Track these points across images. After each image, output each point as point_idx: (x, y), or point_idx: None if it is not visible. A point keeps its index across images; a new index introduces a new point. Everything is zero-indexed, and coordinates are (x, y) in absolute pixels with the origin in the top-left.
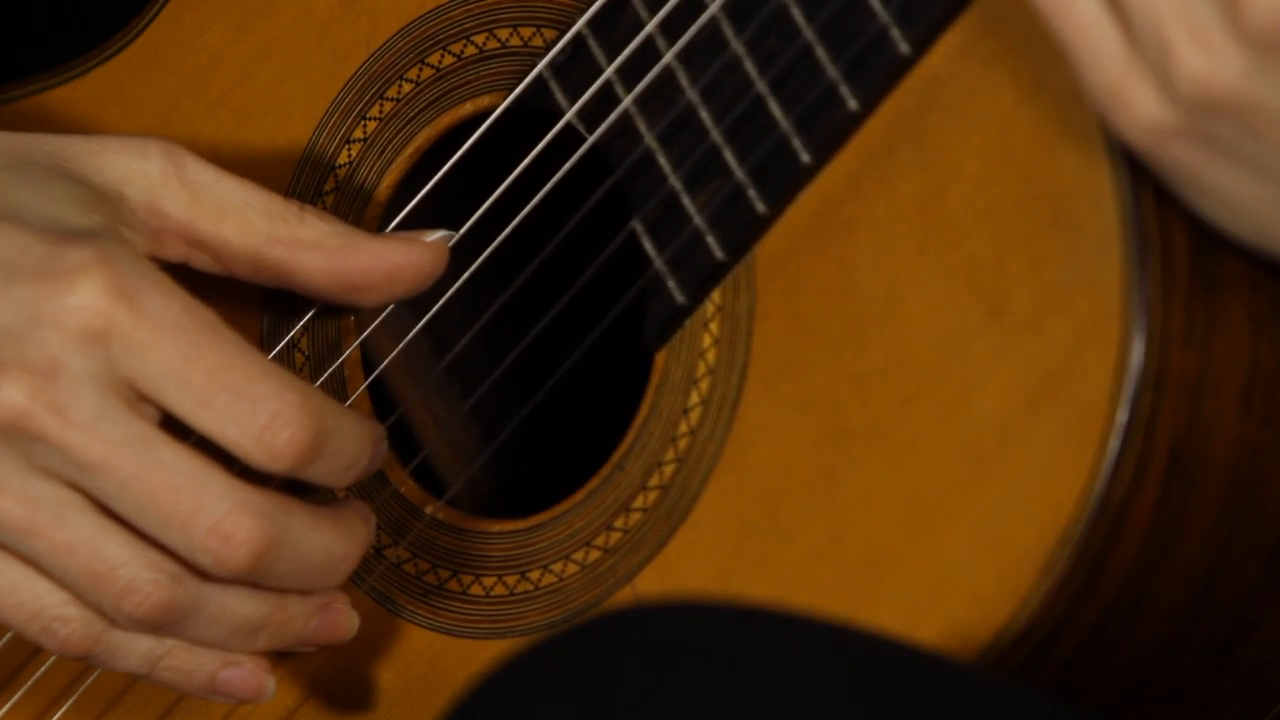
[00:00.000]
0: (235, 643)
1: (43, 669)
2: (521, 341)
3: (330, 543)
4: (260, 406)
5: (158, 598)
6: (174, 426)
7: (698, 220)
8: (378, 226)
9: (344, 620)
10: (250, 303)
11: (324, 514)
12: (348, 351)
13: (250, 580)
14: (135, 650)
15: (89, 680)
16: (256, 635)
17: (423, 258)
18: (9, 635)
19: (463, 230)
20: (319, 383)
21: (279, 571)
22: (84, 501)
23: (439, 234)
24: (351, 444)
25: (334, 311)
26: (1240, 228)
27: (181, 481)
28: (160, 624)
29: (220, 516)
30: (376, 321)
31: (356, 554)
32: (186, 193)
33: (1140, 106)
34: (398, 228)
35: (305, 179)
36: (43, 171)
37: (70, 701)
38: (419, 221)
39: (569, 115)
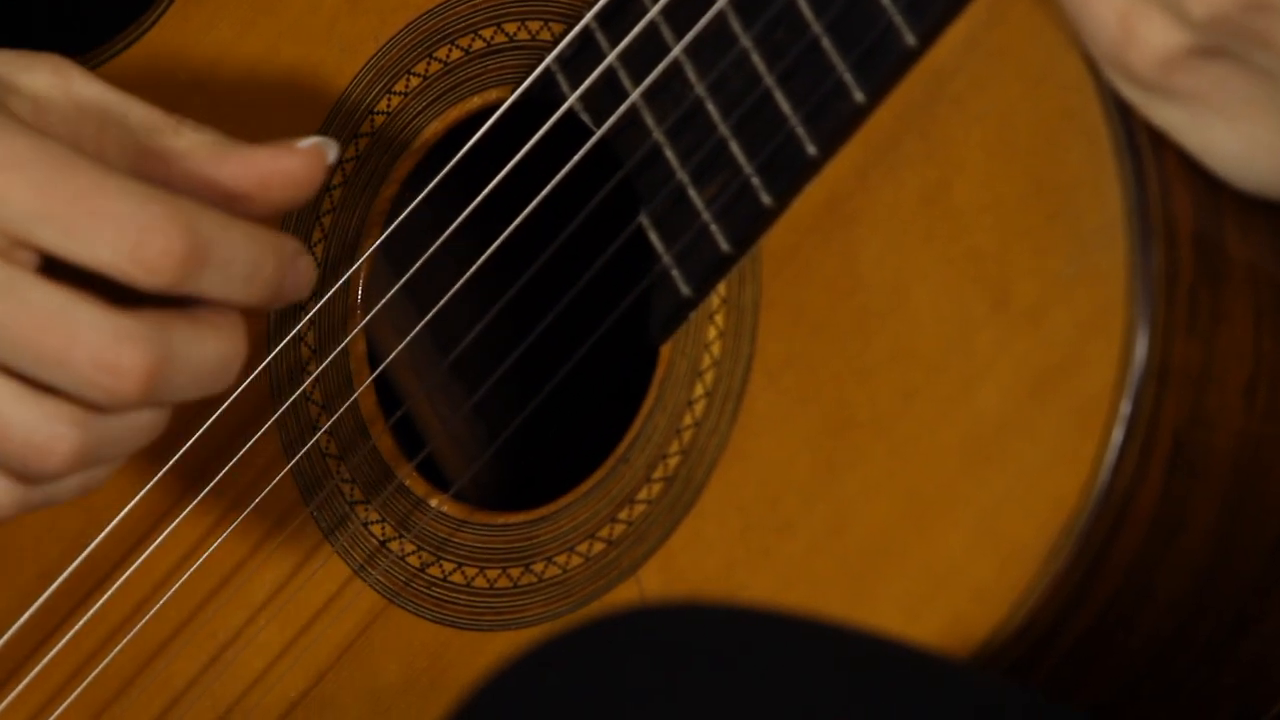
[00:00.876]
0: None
1: (43, 663)
2: (528, 334)
3: (217, 344)
4: (126, 224)
5: (64, 448)
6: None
7: (704, 213)
8: (384, 222)
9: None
10: None
11: (202, 315)
12: (348, 339)
13: (148, 404)
14: (65, 493)
15: (92, 675)
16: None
17: (292, 163)
18: (10, 632)
19: (460, 219)
20: (320, 373)
21: (173, 388)
22: None
23: (313, 140)
24: (242, 250)
25: (340, 303)
26: (1251, 164)
27: (52, 319)
28: (74, 468)
29: (99, 348)
30: (377, 308)
31: (241, 348)
32: (70, 103)
33: (1151, 37)
34: (404, 222)
35: None
36: None
37: (72, 697)
38: (426, 218)
39: (571, 99)
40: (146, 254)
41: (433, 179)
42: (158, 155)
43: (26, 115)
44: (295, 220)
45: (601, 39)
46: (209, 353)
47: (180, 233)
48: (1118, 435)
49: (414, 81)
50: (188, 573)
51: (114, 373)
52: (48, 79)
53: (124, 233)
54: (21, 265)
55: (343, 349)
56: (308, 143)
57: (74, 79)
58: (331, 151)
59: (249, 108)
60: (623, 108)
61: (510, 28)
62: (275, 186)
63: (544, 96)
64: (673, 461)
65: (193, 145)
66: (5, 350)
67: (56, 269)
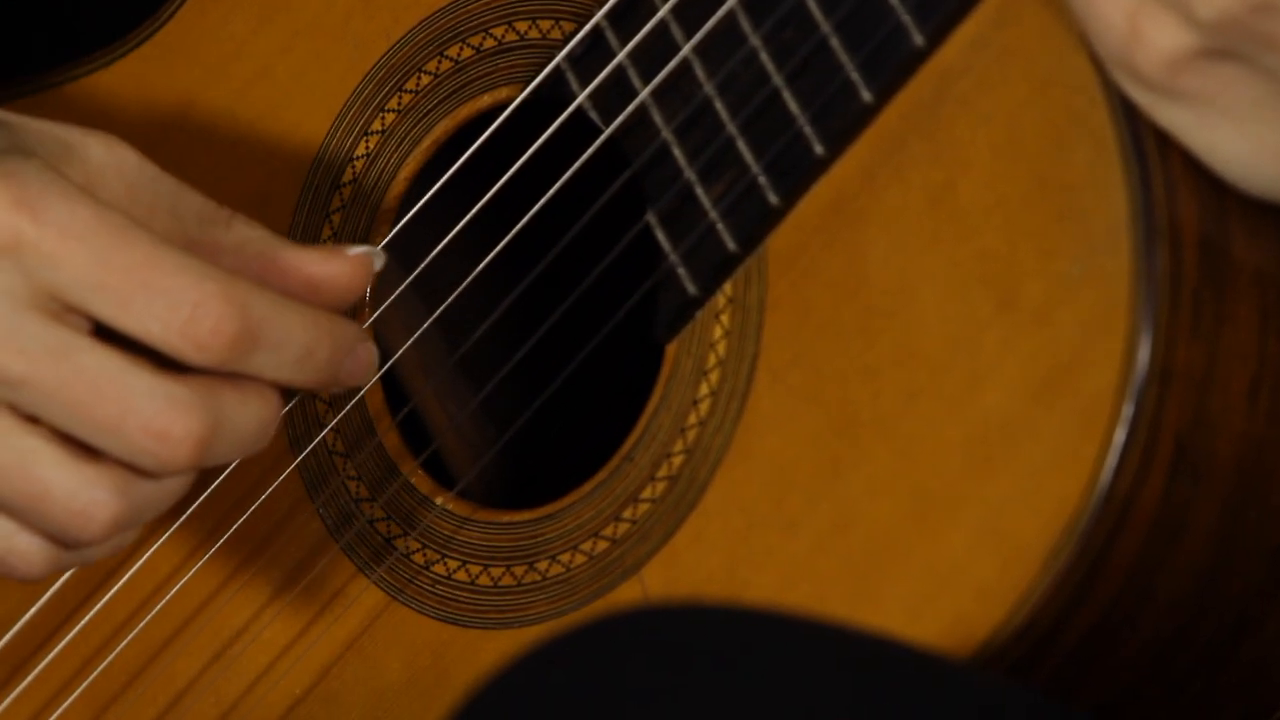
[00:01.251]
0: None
1: (48, 659)
2: (534, 332)
3: (261, 410)
4: (180, 299)
5: (104, 515)
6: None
7: (711, 212)
8: (394, 218)
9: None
10: None
11: (248, 384)
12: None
13: (193, 469)
14: (97, 555)
15: (94, 674)
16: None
17: (341, 270)
18: (15, 628)
19: (468, 217)
20: None
21: (217, 454)
22: (16, 421)
23: (362, 249)
24: (296, 332)
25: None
26: (1257, 166)
27: (106, 385)
28: (111, 535)
29: (151, 415)
30: (384, 306)
31: (280, 410)
32: (122, 183)
33: (1158, 38)
34: (415, 219)
35: (323, 170)
36: None
37: (76, 694)
38: (434, 214)
39: (581, 97)
40: (198, 331)
41: (442, 177)
42: (207, 247)
43: (80, 185)
44: (305, 218)
45: (611, 37)
46: (252, 418)
47: (233, 312)
48: (1120, 436)
49: (425, 79)
50: (193, 569)
51: (166, 440)
52: (101, 154)
53: (177, 308)
54: (74, 328)
55: None
56: (357, 251)
57: (128, 157)
58: (379, 261)
59: (262, 104)
60: (631, 106)
61: (521, 26)
62: (322, 290)
63: (554, 95)
64: (677, 460)
65: (242, 241)
66: (56, 413)
67: (108, 331)
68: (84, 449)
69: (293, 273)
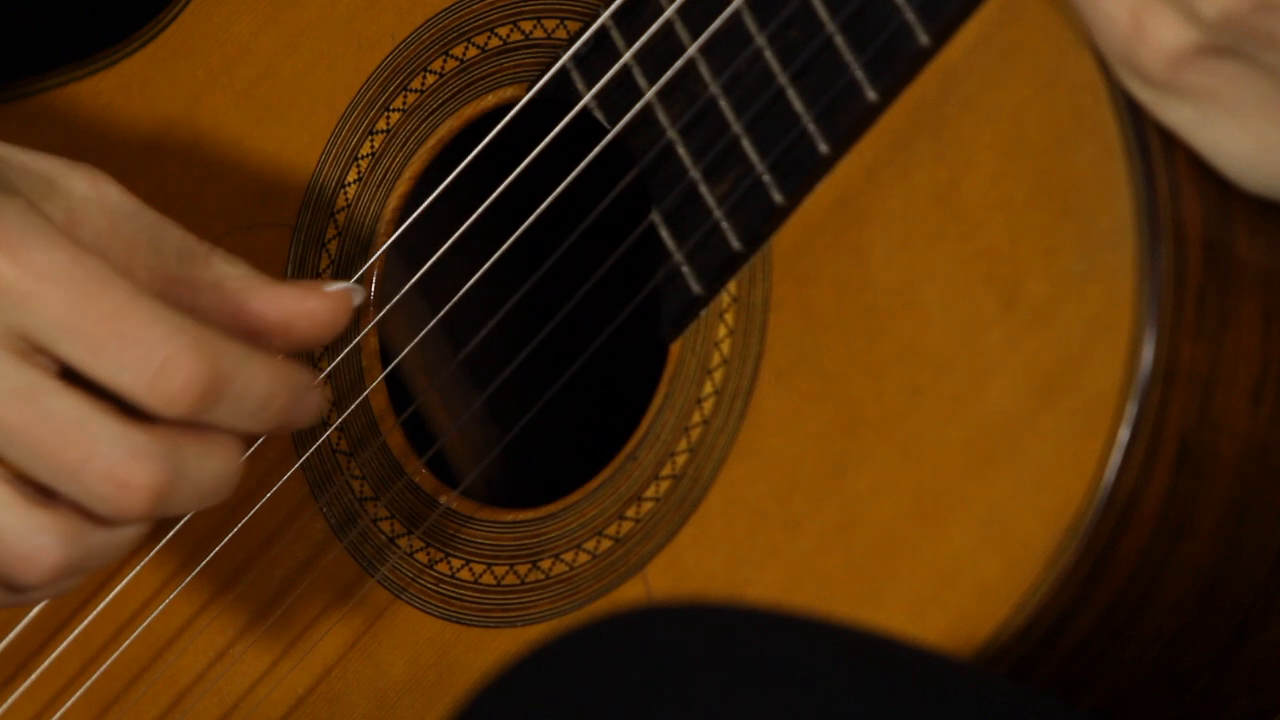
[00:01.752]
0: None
1: (51, 658)
2: (539, 331)
3: (221, 464)
4: (152, 351)
5: (48, 562)
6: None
7: (716, 211)
8: (399, 217)
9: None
10: None
11: (211, 436)
12: (360, 335)
13: (149, 519)
14: (37, 599)
15: (97, 674)
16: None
17: (319, 307)
18: (17, 629)
19: (474, 217)
20: (332, 369)
21: (174, 505)
22: None
23: (340, 285)
24: (258, 385)
25: None
26: (1260, 164)
27: (71, 430)
28: (53, 583)
29: (113, 463)
30: (389, 305)
31: (240, 464)
32: (104, 218)
33: (1161, 35)
34: (420, 218)
35: (329, 170)
36: None
37: (80, 692)
38: (439, 213)
39: (587, 98)
40: (168, 385)
41: (447, 176)
42: (186, 282)
43: (59, 221)
44: (310, 218)
45: (617, 37)
46: (212, 471)
47: (204, 367)
48: (1124, 436)
49: (430, 79)
50: (197, 568)
51: (125, 489)
52: (84, 188)
53: (149, 360)
54: (43, 370)
55: (355, 345)
56: (336, 287)
57: (110, 192)
58: (358, 296)
59: (267, 104)
60: (637, 106)
61: (526, 25)
62: (299, 327)
63: (559, 94)
64: (681, 459)
65: (221, 277)
66: (17, 454)
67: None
68: (40, 493)
69: (270, 311)
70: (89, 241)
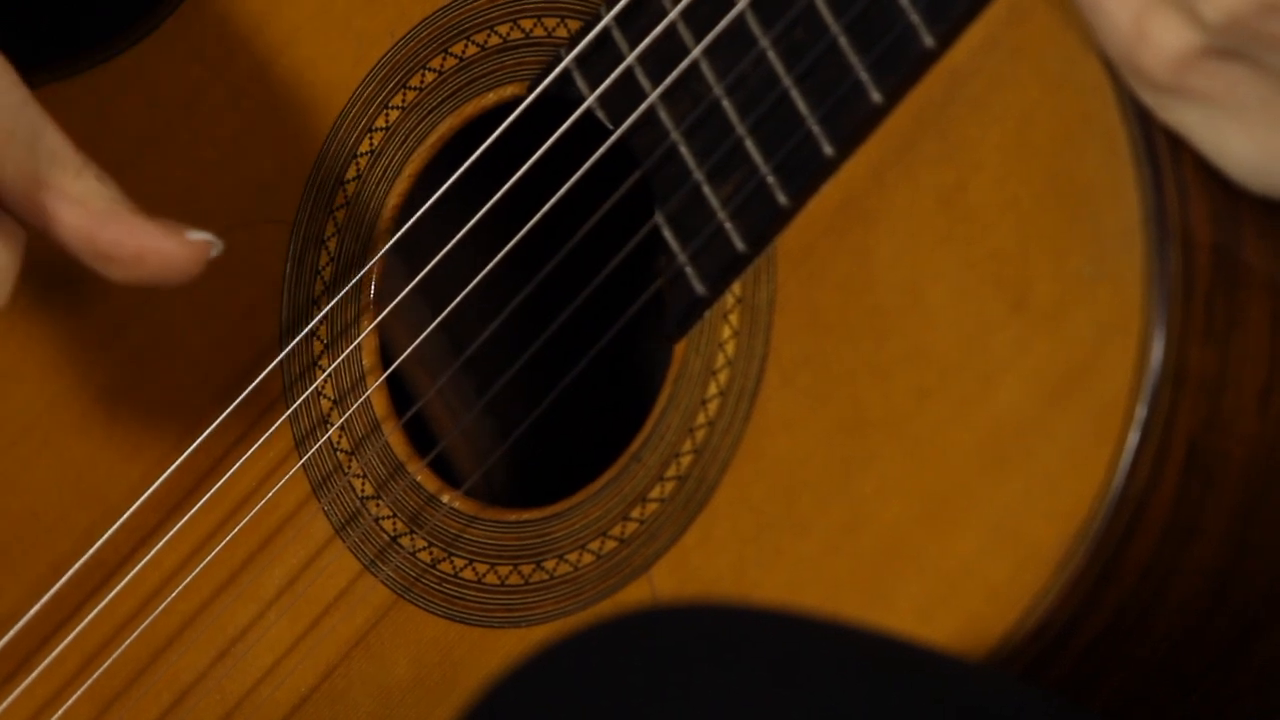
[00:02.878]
0: None
1: (53, 655)
2: (542, 333)
3: None
4: None
5: None
6: None
7: (720, 212)
8: (399, 215)
9: None
10: (270, 289)
11: None
12: (361, 336)
13: None
14: None
15: (99, 671)
16: None
17: (175, 249)
18: (19, 624)
19: (477, 217)
20: (334, 369)
21: None
22: None
23: (203, 235)
24: None
25: (354, 299)
26: (1265, 166)
27: None
28: None
29: None
30: (391, 306)
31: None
32: None
33: (1164, 38)
34: (422, 218)
35: (327, 166)
36: None
37: (82, 690)
38: (439, 212)
39: (590, 100)
40: None
41: (446, 175)
42: (52, 188)
43: None
44: (309, 213)
45: (619, 38)
46: None
47: None
48: (1133, 439)
49: (430, 76)
50: (199, 567)
51: None
52: None
53: None
54: None
55: (356, 345)
56: (197, 236)
57: (1, 81)
58: (216, 248)
59: (265, 99)
60: (641, 108)
61: (527, 24)
62: (150, 264)
63: (560, 94)
64: (685, 460)
65: (85, 194)
66: None
67: None
68: None
69: (127, 240)
70: None
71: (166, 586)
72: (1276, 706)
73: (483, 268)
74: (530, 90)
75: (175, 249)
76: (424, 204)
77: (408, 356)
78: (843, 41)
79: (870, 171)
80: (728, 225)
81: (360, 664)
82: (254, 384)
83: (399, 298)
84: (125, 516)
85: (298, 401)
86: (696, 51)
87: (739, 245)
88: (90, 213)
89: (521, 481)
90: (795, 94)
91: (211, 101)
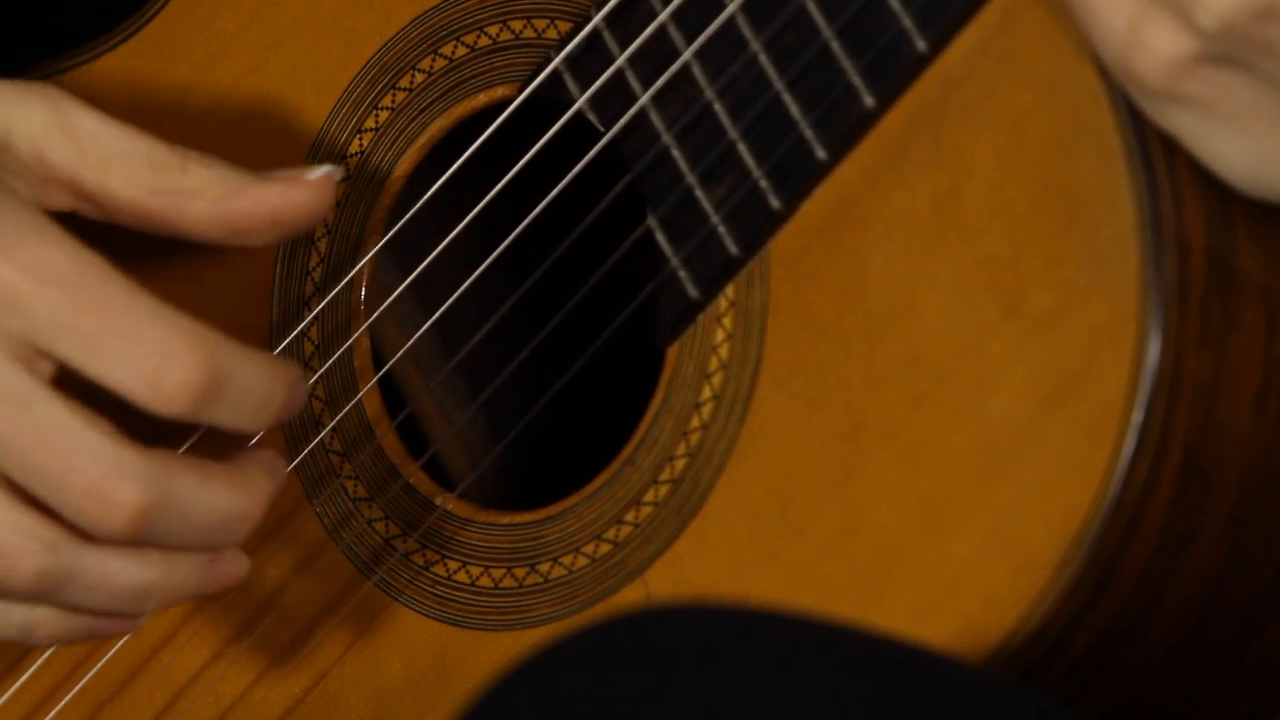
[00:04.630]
0: (121, 608)
1: (42, 659)
2: (535, 335)
3: (224, 502)
4: (149, 348)
5: (27, 564)
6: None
7: (713, 216)
8: (388, 216)
9: (234, 568)
10: (260, 290)
11: (217, 471)
12: (352, 339)
13: (135, 542)
14: (8, 622)
15: (91, 673)
16: (143, 601)
17: (306, 196)
18: None
19: (467, 219)
20: (325, 370)
21: (165, 533)
22: None
23: (324, 169)
24: (257, 385)
25: (344, 300)
26: (1260, 171)
27: (58, 440)
28: (35, 591)
29: (95, 477)
30: (382, 308)
31: (257, 509)
32: (70, 142)
33: (1159, 44)
34: (413, 219)
35: None
36: None
37: (74, 691)
38: (430, 213)
39: (580, 102)
40: (166, 382)
41: (436, 176)
42: (167, 192)
43: (28, 163)
44: None
45: (609, 39)
46: (211, 507)
47: (201, 364)
48: (1129, 444)
49: (419, 77)
50: None
51: (104, 504)
52: (43, 116)
53: (147, 358)
54: (39, 376)
55: (347, 347)
56: (317, 173)
57: (71, 114)
58: (338, 174)
59: (252, 101)
60: (632, 111)
61: (516, 25)
62: (288, 219)
63: (550, 95)
64: (680, 464)
65: (202, 184)
66: (7, 461)
67: (72, 378)
68: (33, 501)
69: (258, 209)
70: (60, 165)
71: None
72: (1272, 708)
73: (475, 270)
74: (520, 92)
75: (305, 196)
76: (414, 205)
77: (400, 359)
78: (835, 45)
79: (863, 176)
80: (720, 229)
81: (353, 667)
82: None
83: (390, 299)
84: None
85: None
86: (688, 54)
87: (732, 249)
88: (214, 200)
89: (515, 484)
90: (787, 98)
91: (198, 101)
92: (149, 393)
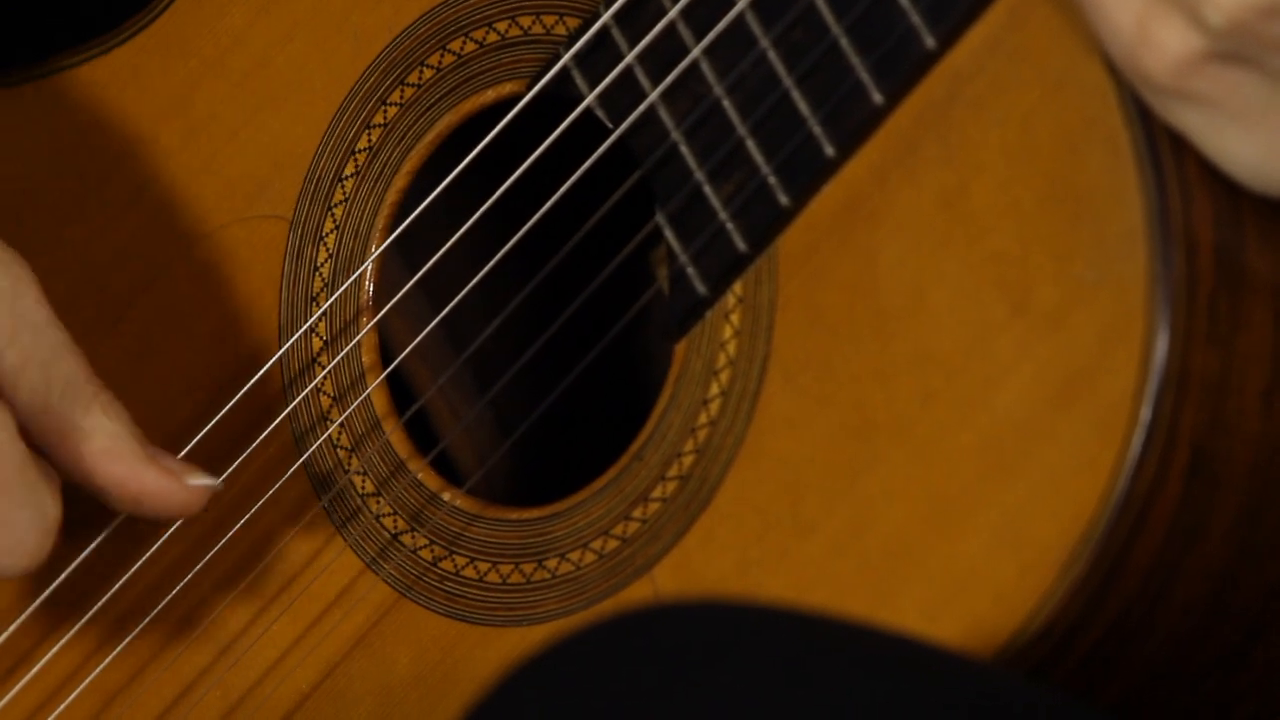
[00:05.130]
0: None
1: (55, 649)
2: (543, 332)
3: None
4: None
5: None
6: None
7: (721, 212)
8: (397, 213)
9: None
10: (267, 289)
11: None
12: (360, 335)
13: None
14: None
15: (101, 667)
16: None
17: (174, 495)
18: (19, 620)
19: (476, 216)
20: (333, 366)
21: None
22: None
23: (205, 480)
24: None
25: (352, 296)
26: (1268, 169)
27: None
28: None
29: None
30: (390, 304)
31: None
32: (10, 320)
33: (1167, 42)
34: (422, 215)
35: (325, 163)
36: None
37: (83, 685)
38: (437, 209)
39: (589, 99)
40: None
41: (444, 172)
42: (60, 419)
43: None
44: (307, 210)
45: (618, 36)
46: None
47: None
48: (1137, 442)
49: (428, 73)
50: (200, 563)
51: None
52: (3, 283)
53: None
54: None
55: (356, 342)
56: (198, 482)
57: (27, 297)
58: (217, 488)
59: (260, 96)
60: (641, 108)
61: (525, 21)
62: (149, 505)
63: (559, 92)
64: (687, 460)
65: (93, 431)
66: None
67: None
68: None
69: (128, 484)
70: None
71: (167, 583)
72: (1274, 708)
73: (483, 266)
74: (529, 88)
75: (176, 494)
76: (423, 202)
77: (408, 354)
78: (844, 42)
79: (872, 173)
80: (729, 225)
81: (361, 662)
82: (252, 380)
83: (398, 295)
84: (123, 515)
85: (297, 399)
86: (696, 51)
87: (740, 245)
88: (96, 451)
89: (523, 480)
90: (796, 94)
91: (207, 96)
92: None
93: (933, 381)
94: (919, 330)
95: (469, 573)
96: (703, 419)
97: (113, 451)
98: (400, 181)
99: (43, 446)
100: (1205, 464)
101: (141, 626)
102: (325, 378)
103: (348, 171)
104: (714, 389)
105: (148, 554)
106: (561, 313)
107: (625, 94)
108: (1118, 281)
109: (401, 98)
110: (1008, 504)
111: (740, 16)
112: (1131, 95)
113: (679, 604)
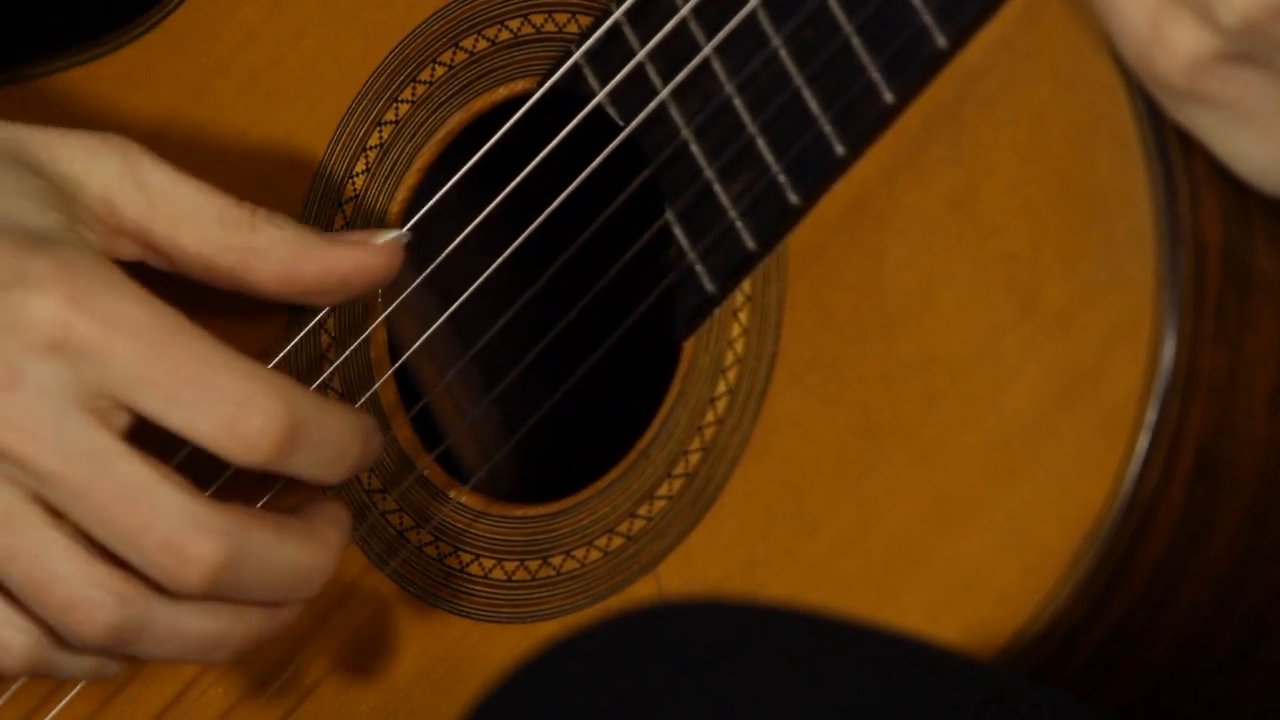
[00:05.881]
0: (191, 659)
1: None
2: (551, 329)
3: (299, 556)
4: (227, 397)
5: (101, 618)
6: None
7: (730, 210)
8: (406, 210)
9: (291, 610)
10: None
11: (292, 526)
12: (369, 330)
13: (210, 597)
14: (78, 669)
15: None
16: (213, 652)
17: (374, 261)
18: None
19: (485, 213)
20: (341, 362)
21: (241, 587)
22: (40, 512)
23: (391, 234)
24: (334, 433)
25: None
26: (1278, 169)
27: (136, 495)
28: (107, 644)
29: (172, 532)
30: (398, 301)
31: (329, 564)
32: (142, 195)
33: (1179, 42)
34: (429, 213)
35: (336, 160)
36: None
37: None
38: (448, 207)
39: (600, 96)
40: (245, 430)
41: (455, 169)
42: (236, 251)
43: (98, 213)
44: (317, 207)
45: (630, 34)
46: (286, 562)
47: (280, 412)
48: (1143, 443)
49: (439, 71)
50: None
51: (180, 559)
52: (117, 167)
53: (224, 407)
54: (115, 430)
55: (364, 338)
56: (385, 238)
57: (144, 167)
58: (405, 238)
59: (273, 92)
60: (652, 105)
61: (537, 19)
62: (355, 285)
63: (570, 90)
64: (694, 458)
65: (271, 244)
66: (82, 513)
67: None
68: (106, 554)
69: (326, 272)
70: (131, 218)
71: None
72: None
73: (491, 263)
74: (540, 85)
75: (374, 261)
76: (432, 199)
77: (415, 351)
78: (855, 41)
79: (881, 172)
80: (738, 223)
81: (366, 658)
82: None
83: (406, 291)
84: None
85: None
86: (708, 49)
87: (749, 244)
88: (282, 260)
89: (529, 477)
90: (807, 93)
91: (218, 93)
92: (228, 441)
93: (939, 381)
94: (927, 330)
95: (474, 569)
96: (709, 417)
97: (296, 252)
98: (411, 178)
99: (231, 284)
100: (1211, 466)
101: None
102: (333, 374)
103: (359, 168)
104: (721, 387)
105: None
106: (569, 310)
107: (636, 92)
108: (1126, 282)
109: (413, 95)
110: (1012, 505)
111: (751, 15)
112: (1141, 94)
113: (684, 603)
